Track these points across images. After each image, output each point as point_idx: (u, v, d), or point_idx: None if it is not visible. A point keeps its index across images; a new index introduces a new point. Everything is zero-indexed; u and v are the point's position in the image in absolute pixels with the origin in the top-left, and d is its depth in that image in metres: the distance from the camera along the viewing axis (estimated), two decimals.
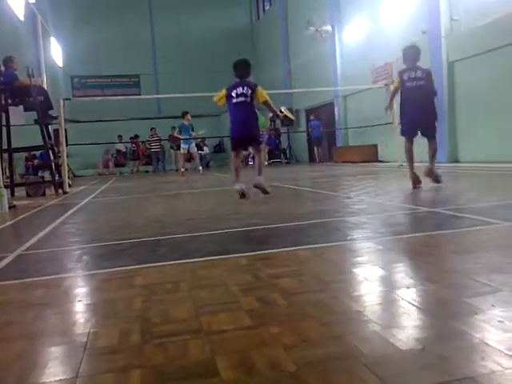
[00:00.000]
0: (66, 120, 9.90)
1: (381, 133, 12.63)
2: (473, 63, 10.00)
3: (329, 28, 15.86)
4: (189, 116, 12.32)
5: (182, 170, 12.42)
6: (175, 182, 10.67)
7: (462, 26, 10.27)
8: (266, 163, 16.42)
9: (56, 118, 9.36)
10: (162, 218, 4.52)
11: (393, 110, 8.77)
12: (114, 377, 1.22)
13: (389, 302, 1.68)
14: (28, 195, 8.33)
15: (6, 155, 8.79)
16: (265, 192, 4.93)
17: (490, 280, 1.78)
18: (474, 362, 1.15)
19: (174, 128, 18.57)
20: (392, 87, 5.35)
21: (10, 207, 6.03)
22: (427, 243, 2.65)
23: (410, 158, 5.39)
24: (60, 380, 1.23)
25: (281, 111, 6.07)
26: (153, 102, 22.40)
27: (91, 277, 2.35)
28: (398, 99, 5.84)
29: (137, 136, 19.63)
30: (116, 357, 1.34)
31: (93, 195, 8.00)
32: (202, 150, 18.86)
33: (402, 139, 5.63)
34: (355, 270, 2.11)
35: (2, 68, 8.23)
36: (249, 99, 5.10)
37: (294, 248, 2.61)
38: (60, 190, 8.50)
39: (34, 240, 3.49)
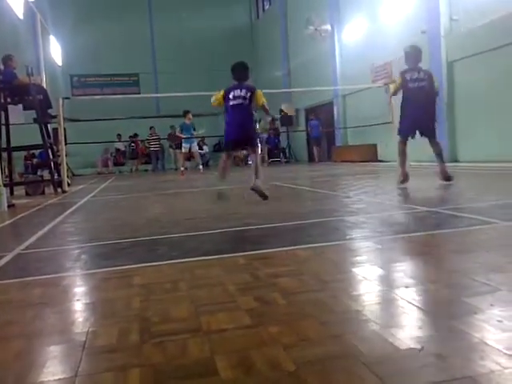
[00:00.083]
0: (65, 119, 9.89)
1: (380, 132, 12.62)
2: (472, 63, 10.01)
3: (328, 27, 15.86)
4: (190, 115, 12.34)
5: (182, 168, 12.44)
6: (174, 181, 10.67)
7: (462, 25, 10.28)
8: (266, 164, 16.43)
9: (55, 116, 9.35)
10: (161, 217, 4.52)
11: (392, 108, 8.78)
12: (113, 376, 1.22)
13: (388, 301, 1.68)
14: (27, 194, 8.32)
15: (5, 154, 8.77)
16: (262, 195, 4.90)
17: (488, 279, 1.78)
18: (473, 362, 1.15)
19: (172, 127, 18.62)
20: (393, 87, 5.37)
21: (9, 206, 6.03)
22: (426, 243, 2.65)
23: (403, 161, 5.48)
24: (59, 379, 1.23)
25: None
26: (152, 100, 22.38)
27: (90, 276, 2.34)
28: (395, 99, 5.88)
29: (136, 135, 19.61)
30: (115, 356, 1.34)
31: (92, 194, 7.99)
32: (202, 150, 18.85)
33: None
34: (354, 270, 2.11)
35: (2, 66, 8.22)
36: (247, 102, 5.09)
37: (293, 247, 2.61)
38: (59, 189, 8.49)
39: (33, 239, 3.49)
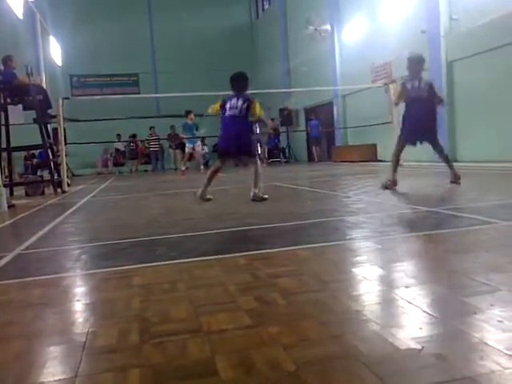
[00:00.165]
0: (64, 119, 9.89)
1: (380, 132, 12.63)
2: (472, 63, 10.01)
3: (328, 27, 15.85)
4: (192, 115, 12.37)
5: (183, 168, 12.46)
6: (174, 182, 10.67)
7: (462, 25, 10.28)
8: (266, 164, 16.43)
9: (55, 117, 9.35)
10: (161, 217, 4.52)
11: (392, 109, 8.80)
12: (113, 376, 1.22)
13: (388, 301, 1.68)
14: (27, 194, 8.32)
15: (5, 154, 8.78)
16: (262, 200, 4.97)
17: (488, 279, 1.78)
18: (473, 362, 1.15)
19: (172, 127, 18.62)
20: (394, 97, 5.43)
21: (9, 206, 6.03)
22: (426, 243, 2.65)
23: (397, 162, 5.51)
24: (59, 379, 1.23)
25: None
26: (152, 100, 22.37)
27: (90, 276, 2.34)
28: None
29: (134, 135, 19.57)
30: (115, 356, 1.34)
31: (92, 194, 7.99)
32: (202, 150, 18.84)
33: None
34: (354, 270, 2.11)
35: (1, 67, 8.22)
36: (243, 113, 5.08)
37: (293, 247, 2.61)
38: (59, 190, 8.49)
39: (33, 239, 3.49)
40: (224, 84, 5.48)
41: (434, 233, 2.86)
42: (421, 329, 1.39)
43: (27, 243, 3.33)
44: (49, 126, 9.30)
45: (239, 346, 1.34)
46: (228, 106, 5.15)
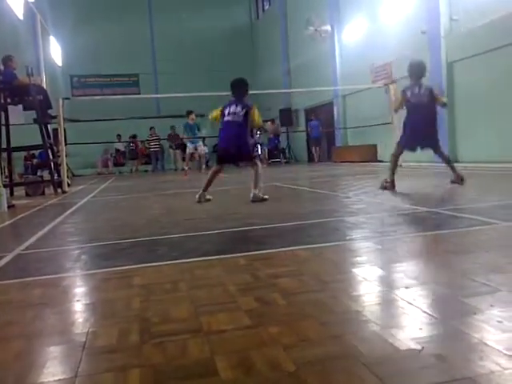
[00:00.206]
0: (65, 119, 9.89)
1: (380, 133, 12.63)
2: (472, 63, 10.01)
3: (328, 28, 15.86)
4: (193, 115, 12.40)
5: (186, 168, 12.52)
6: (174, 182, 10.68)
7: (462, 26, 10.28)
8: (266, 165, 16.43)
9: (55, 117, 9.35)
10: (161, 217, 4.52)
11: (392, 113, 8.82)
12: (113, 376, 1.22)
13: (388, 301, 1.68)
14: (27, 194, 8.32)
15: (5, 154, 8.78)
16: (262, 200, 5.00)
17: (488, 280, 1.78)
18: (472, 362, 1.15)
19: (173, 127, 18.63)
20: (394, 104, 5.46)
21: (9, 206, 6.03)
22: (426, 243, 2.65)
23: (395, 163, 5.53)
24: (59, 379, 1.23)
25: (261, 128, 6.10)
26: (152, 101, 22.39)
27: (90, 276, 2.34)
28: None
29: (135, 136, 19.57)
30: (115, 356, 1.34)
31: (92, 194, 7.99)
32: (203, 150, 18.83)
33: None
34: (354, 270, 2.11)
35: (2, 67, 8.22)
36: (241, 119, 5.12)
37: (293, 248, 2.61)
38: (59, 190, 8.49)
39: (33, 239, 3.49)
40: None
41: (434, 233, 2.86)
42: (421, 329, 1.39)
43: (27, 243, 3.33)
44: (49, 126, 9.31)
45: (239, 346, 1.34)
46: (227, 111, 5.22)
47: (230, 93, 5.41)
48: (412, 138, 5.47)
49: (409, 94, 5.49)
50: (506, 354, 1.17)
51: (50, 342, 1.51)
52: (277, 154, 19.22)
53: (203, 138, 13.70)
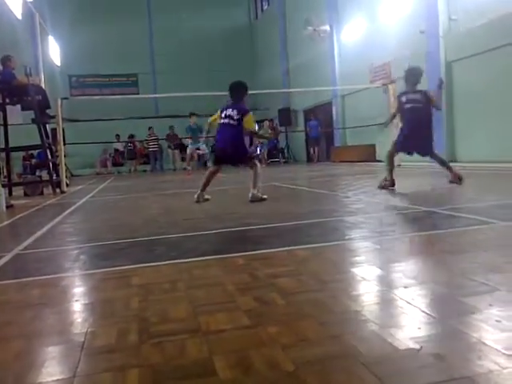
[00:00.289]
0: (63, 119, 9.88)
1: (379, 132, 12.61)
2: (471, 63, 10.02)
3: (327, 28, 15.87)
4: (193, 118, 12.59)
5: (189, 168, 12.65)
6: (173, 182, 10.68)
7: (461, 25, 10.29)
8: (265, 165, 16.42)
9: (54, 117, 9.34)
10: (160, 217, 4.51)
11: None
12: (112, 376, 1.22)
13: (387, 301, 1.68)
14: (26, 194, 8.31)
15: (3, 154, 8.78)
16: (261, 200, 5.01)
17: (487, 279, 1.78)
18: (471, 362, 1.15)
19: (171, 127, 18.62)
20: (391, 112, 5.54)
21: (7, 206, 6.02)
22: (425, 243, 2.65)
23: (392, 161, 5.58)
24: (58, 379, 1.23)
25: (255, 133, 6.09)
26: (151, 101, 22.38)
27: (89, 276, 2.34)
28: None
29: (132, 136, 19.55)
30: (113, 356, 1.34)
31: (90, 194, 7.99)
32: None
33: None
34: (353, 270, 2.11)
35: (0, 67, 8.21)
36: (236, 122, 5.15)
37: (292, 247, 2.61)
38: (58, 190, 8.49)
39: (31, 239, 3.49)
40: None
41: (433, 233, 2.87)
42: (419, 329, 1.39)
43: (26, 243, 3.32)
44: (47, 126, 9.30)
45: (238, 346, 1.34)
46: (223, 114, 5.24)
47: (228, 93, 5.42)
48: (408, 142, 5.51)
49: (404, 99, 5.54)
50: (504, 354, 1.17)
51: (49, 342, 1.51)
52: (276, 153, 19.23)
53: (205, 139, 13.80)
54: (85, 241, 3.42)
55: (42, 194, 8.38)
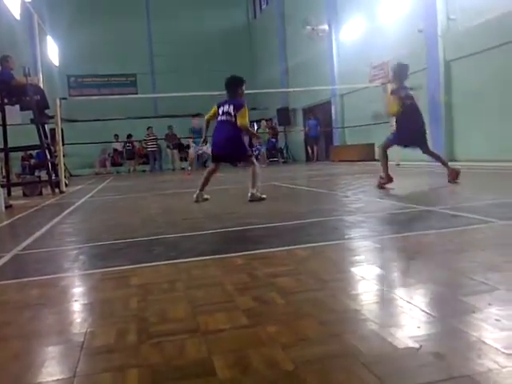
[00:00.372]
0: (62, 119, 9.86)
1: (378, 132, 12.64)
2: (469, 62, 10.03)
3: (326, 27, 15.87)
4: (195, 119, 12.76)
5: (190, 168, 12.73)
6: (172, 182, 10.68)
7: (459, 25, 10.30)
8: (265, 165, 16.42)
9: (52, 117, 9.33)
10: (159, 217, 4.51)
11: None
12: (111, 376, 1.21)
13: (386, 300, 1.68)
14: (25, 195, 8.30)
15: (2, 154, 8.76)
16: (260, 200, 5.00)
17: (486, 278, 1.78)
18: (471, 361, 1.15)
19: (170, 127, 18.61)
20: (391, 107, 5.55)
21: (6, 207, 6.01)
22: (424, 242, 2.65)
23: (386, 164, 5.61)
24: (57, 380, 1.23)
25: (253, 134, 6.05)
26: (149, 101, 22.37)
27: (88, 276, 2.34)
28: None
29: (130, 135, 19.53)
30: (113, 356, 1.33)
31: (89, 195, 7.98)
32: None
33: None
34: (353, 269, 2.11)
35: None
36: (233, 118, 5.09)
37: (291, 247, 2.61)
38: (57, 190, 8.48)
39: (30, 240, 3.49)
40: (222, 84, 5.48)
41: (432, 232, 2.87)
42: (419, 328, 1.39)
43: (24, 244, 3.32)
44: (46, 126, 9.29)
45: (237, 346, 1.34)
46: (221, 110, 5.20)
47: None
48: (407, 139, 5.56)
49: (403, 94, 5.57)
50: (504, 353, 1.17)
51: (48, 342, 1.51)
52: (275, 153, 19.23)
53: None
54: (84, 241, 3.41)
55: (40, 194, 8.38)
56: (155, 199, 6.69)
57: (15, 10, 9.99)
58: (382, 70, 13.17)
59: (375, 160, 13.36)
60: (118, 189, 9.58)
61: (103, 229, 3.99)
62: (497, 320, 1.38)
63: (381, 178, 5.57)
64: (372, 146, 13.86)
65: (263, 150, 17.62)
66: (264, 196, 5.08)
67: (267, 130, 18.52)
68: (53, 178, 8.54)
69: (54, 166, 8.99)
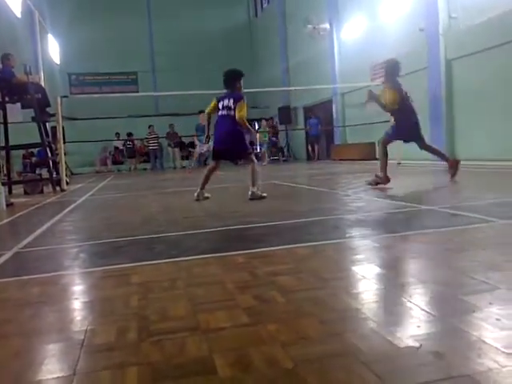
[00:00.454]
0: (63, 117, 9.87)
1: (379, 130, 12.60)
2: (471, 61, 10.01)
3: (327, 26, 15.86)
4: (202, 115, 12.75)
5: (192, 165, 12.82)
6: (173, 180, 10.68)
7: (460, 23, 10.28)
8: (266, 162, 16.42)
9: (53, 115, 9.33)
10: (159, 215, 4.51)
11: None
12: (111, 374, 1.22)
13: (387, 299, 1.68)
14: (25, 193, 8.31)
15: (3, 152, 8.77)
16: (261, 198, 5.00)
17: (487, 278, 1.78)
18: (471, 360, 1.15)
19: (171, 126, 18.61)
20: (391, 102, 5.55)
21: (7, 205, 6.02)
22: (424, 241, 2.65)
23: (386, 163, 5.62)
24: (57, 377, 1.23)
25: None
26: (150, 99, 22.37)
27: (88, 274, 2.34)
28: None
29: (130, 134, 19.53)
30: (113, 354, 1.34)
31: (90, 193, 7.98)
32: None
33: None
34: (354, 268, 2.11)
35: (0, 65, 8.20)
36: (233, 112, 5.07)
37: (292, 245, 2.61)
38: (58, 188, 8.48)
39: (31, 238, 3.49)
40: (222, 82, 5.48)
41: (432, 231, 2.86)
42: (419, 327, 1.39)
43: (25, 241, 3.32)
44: (47, 124, 9.29)
45: (237, 344, 1.34)
46: (221, 105, 5.18)
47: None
48: (405, 133, 5.60)
49: (403, 89, 5.59)
50: (504, 352, 1.17)
51: (49, 339, 1.51)
52: (275, 152, 19.23)
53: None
54: (84, 239, 3.41)
55: (41, 192, 8.38)
56: (156, 197, 6.69)
57: (16, 8, 10.00)
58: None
59: (376, 159, 13.35)
60: (118, 187, 9.58)
61: (104, 227, 4.00)
62: (497, 319, 1.38)
63: (377, 176, 5.56)
64: (373, 144, 13.84)
65: (264, 148, 17.62)
66: (265, 194, 5.08)
67: (267, 129, 18.51)
68: (54, 176, 8.55)
69: (55, 164, 8.99)
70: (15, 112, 8.48)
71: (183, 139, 18.84)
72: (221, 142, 5.25)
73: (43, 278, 2.27)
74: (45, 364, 1.31)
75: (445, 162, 5.72)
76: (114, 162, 20.43)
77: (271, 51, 21.90)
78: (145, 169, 19.56)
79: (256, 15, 24.75)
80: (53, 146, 9.32)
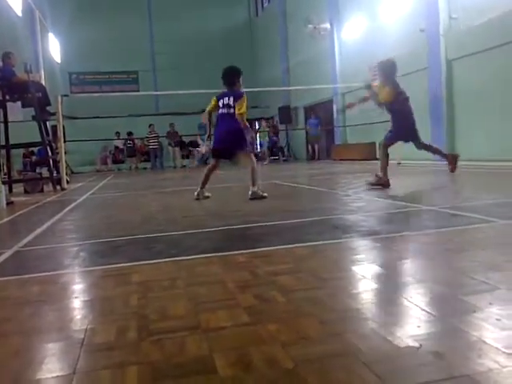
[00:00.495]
0: (63, 116, 9.88)
1: (379, 131, 12.61)
2: (471, 61, 10.01)
3: (327, 26, 15.86)
4: (203, 114, 12.83)
5: (196, 163, 12.93)
6: (173, 179, 10.68)
7: (461, 24, 10.28)
8: (266, 162, 16.42)
9: (54, 114, 9.33)
10: (159, 215, 4.51)
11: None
12: (111, 373, 1.21)
13: (387, 299, 1.68)
14: (26, 192, 8.31)
15: (3, 151, 8.76)
16: (261, 198, 4.99)
17: (487, 278, 1.78)
18: (471, 360, 1.15)
19: (172, 125, 18.61)
20: (390, 96, 5.54)
21: (7, 203, 6.02)
22: (424, 241, 2.65)
23: (387, 165, 5.60)
24: (57, 376, 1.23)
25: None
26: (151, 98, 22.37)
27: (88, 273, 2.34)
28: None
29: (131, 133, 19.53)
30: (113, 353, 1.33)
31: (91, 192, 7.98)
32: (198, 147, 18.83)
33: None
34: (354, 268, 2.11)
35: (0, 64, 8.20)
36: (232, 110, 5.07)
37: (292, 245, 2.61)
38: (58, 187, 8.48)
39: (31, 236, 3.49)
40: (222, 82, 5.48)
41: (432, 231, 2.86)
42: (419, 327, 1.39)
43: (25, 240, 3.32)
44: (48, 123, 9.29)
45: (238, 344, 1.34)
46: (221, 103, 5.17)
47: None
48: (404, 134, 5.62)
49: (401, 90, 5.60)
50: (504, 352, 1.17)
51: (49, 338, 1.51)
52: (276, 151, 19.23)
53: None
54: (84, 238, 3.41)
55: (42, 191, 8.38)
56: (156, 197, 6.69)
57: (17, 7, 10.00)
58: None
59: (376, 159, 13.35)
60: (119, 186, 9.59)
61: (104, 226, 4.00)
62: (497, 319, 1.38)
63: (377, 176, 5.55)
64: (373, 144, 13.84)
65: (265, 147, 17.63)
66: (265, 194, 5.08)
67: (267, 129, 18.51)
68: (54, 175, 8.54)
69: (56, 163, 8.99)
70: (16, 111, 8.48)
71: (183, 138, 18.84)
72: (220, 142, 5.25)
73: (43, 277, 2.27)
74: (44, 363, 1.31)
75: (444, 159, 5.74)
76: (115, 161, 20.43)
77: (272, 51, 21.89)
78: (145, 168, 19.56)
79: (256, 15, 24.74)
80: (53, 144, 9.32)
